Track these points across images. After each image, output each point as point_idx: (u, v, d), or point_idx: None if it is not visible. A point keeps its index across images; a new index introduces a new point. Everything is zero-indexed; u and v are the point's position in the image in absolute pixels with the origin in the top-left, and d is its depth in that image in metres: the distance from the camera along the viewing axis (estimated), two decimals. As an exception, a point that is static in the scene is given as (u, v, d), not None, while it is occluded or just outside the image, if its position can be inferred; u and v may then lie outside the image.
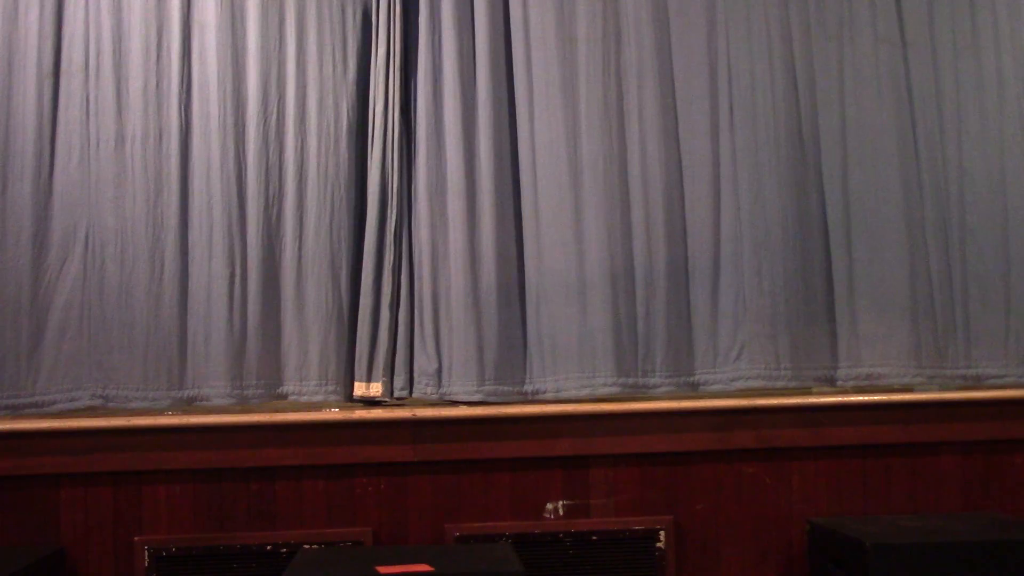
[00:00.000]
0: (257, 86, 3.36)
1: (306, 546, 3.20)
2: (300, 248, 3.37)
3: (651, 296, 3.44)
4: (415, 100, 3.44)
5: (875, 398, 3.42)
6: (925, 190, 3.55)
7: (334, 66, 3.41)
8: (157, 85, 3.35)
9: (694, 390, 3.44)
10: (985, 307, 3.52)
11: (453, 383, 3.37)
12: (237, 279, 3.33)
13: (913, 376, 3.46)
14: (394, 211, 3.38)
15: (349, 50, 3.43)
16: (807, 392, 3.46)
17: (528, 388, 3.42)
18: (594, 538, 3.30)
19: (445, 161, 3.42)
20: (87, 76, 3.33)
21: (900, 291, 3.48)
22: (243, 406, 3.29)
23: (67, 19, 3.33)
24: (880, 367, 3.45)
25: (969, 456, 3.44)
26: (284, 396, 3.34)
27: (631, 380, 3.41)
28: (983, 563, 2.89)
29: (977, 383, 3.49)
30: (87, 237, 3.31)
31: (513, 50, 3.47)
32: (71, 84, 3.33)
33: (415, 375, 3.39)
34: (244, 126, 3.36)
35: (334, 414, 3.28)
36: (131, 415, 3.24)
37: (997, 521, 3.21)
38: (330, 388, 3.33)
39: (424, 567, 2.77)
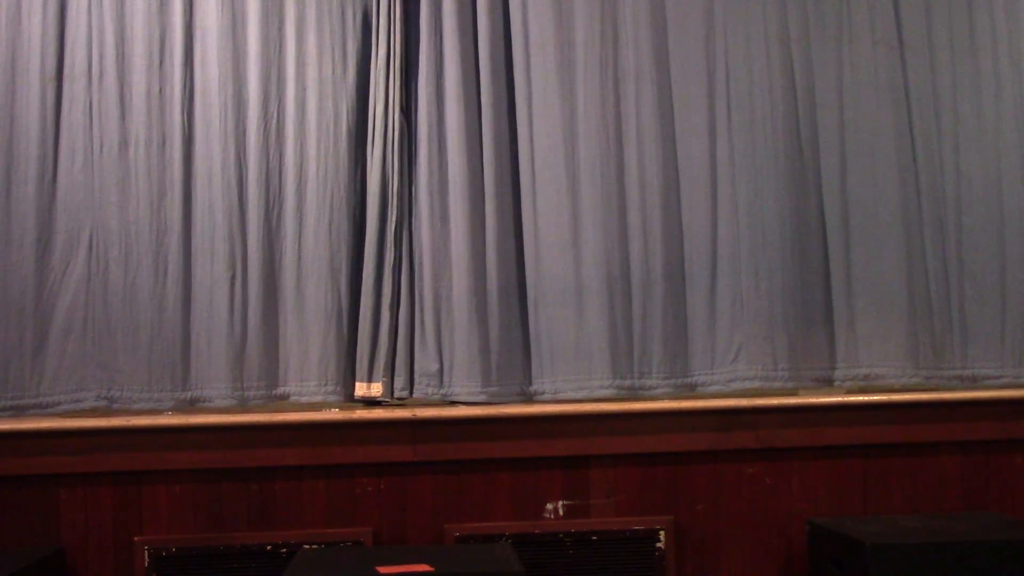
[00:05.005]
0: (258, 89, 3.39)
1: (306, 546, 3.20)
2: (300, 250, 3.39)
3: (648, 298, 3.45)
4: (416, 101, 3.46)
5: (875, 398, 3.42)
6: (922, 191, 3.56)
7: (333, 68, 3.43)
8: (160, 90, 3.37)
9: (691, 391, 3.45)
10: (981, 307, 3.53)
11: (455, 383, 3.39)
12: (238, 281, 3.35)
13: (911, 377, 3.46)
14: (394, 212, 3.40)
15: (349, 52, 3.45)
16: (807, 392, 3.46)
17: (528, 389, 3.43)
18: (594, 538, 3.30)
19: (446, 162, 3.44)
20: (90, 81, 3.35)
21: (897, 292, 3.49)
22: (244, 407, 3.31)
23: (70, 24, 3.36)
24: (878, 367, 3.46)
25: (969, 456, 3.43)
26: (285, 397, 3.36)
27: (627, 382, 3.42)
28: (983, 563, 2.88)
29: (973, 383, 3.50)
30: (91, 240, 3.33)
31: (513, 53, 3.49)
32: (74, 88, 3.35)
33: (416, 375, 3.40)
34: (245, 129, 3.39)
35: (334, 414, 3.29)
36: (132, 415, 3.25)
37: (997, 521, 3.20)
38: (330, 388, 3.35)
39: (424, 567, 2.77)
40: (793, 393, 3.45)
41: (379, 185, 3.39)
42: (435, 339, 3.41)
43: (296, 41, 3.42)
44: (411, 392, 3.39)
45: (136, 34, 3.37)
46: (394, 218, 3.40)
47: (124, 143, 3.36)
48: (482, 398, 3.36)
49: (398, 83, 3.42)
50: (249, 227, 3.37)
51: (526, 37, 3.49)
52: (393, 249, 3.39)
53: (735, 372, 3.45)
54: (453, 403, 3.38)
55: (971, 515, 3.33)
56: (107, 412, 3.28)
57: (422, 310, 3.42)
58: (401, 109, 3.43)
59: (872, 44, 3.58)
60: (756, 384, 3.42)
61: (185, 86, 3.38)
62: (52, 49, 3.34)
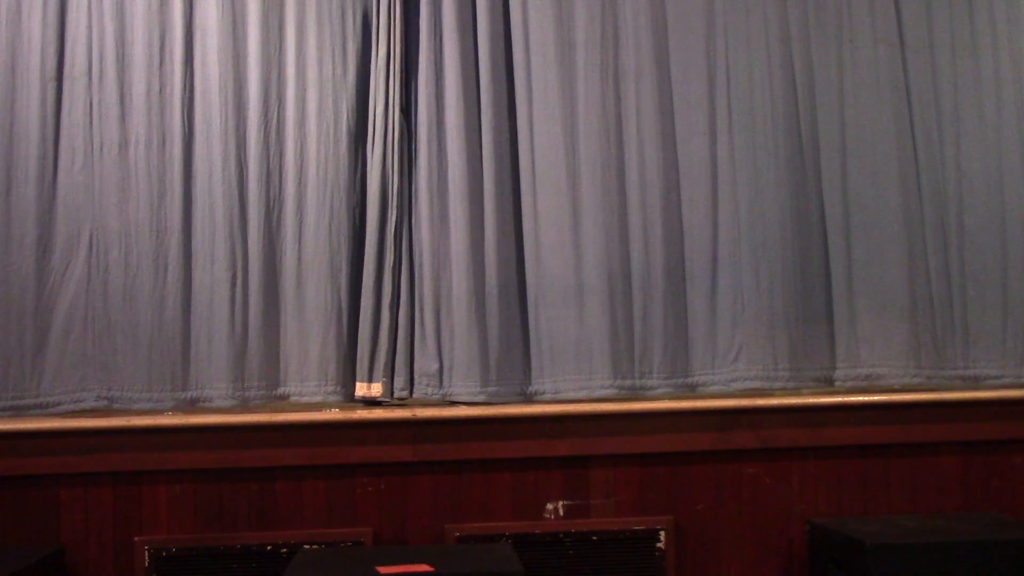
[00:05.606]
0: (258, 90, 3.39)
1: (306, 546, 3.21)
2: (300, 250, 3.39)
3: (649, 298, 3.45)
4: (416, 102, 3.46)
5: (875, 398, 3.42)
6: (923, 191, 3.56)
7: (333, 68, 3.43)
8: (160, 90, 3.37)
9: (692, 391, 3.45)
10: (983, 307, 3.53)
11: (455, 384, 3.38)
12: (239, 282, 3.35)
13: (912, 376, 3.46)
14: (394, 212, 3.39)
15: (349, 52, 3.45)
16: (807, 392, 3.46)
17: (528, 389, 3.43)
18: (594, 538, 3.30)
19: (446, 162, 3.44)
20: (90, 80, 3.35)
21: (899, 291, 3.49)
22: (244, 407, 3.31)
23: (70, 24, 3.35)
24: (879, 367, 3.46)
25: (969, 456, 3.44)
26: (285, 397, 3.36)
27: (628, 382, 3.42)
28: (983, 563, 2.89)
29: (975, 383, 3.50)
30: (91, 241, 3.33)
31: (513, 53, 3.49)
32: (74, 88, 3.35)
33: (416, 375, 3.40)
34: (245, 130, 3.39)
35: (334, 414, 3.29)
36: (132, 415, 3.25)
37: (997, 521, 3.20)
38: (330, 389, 3.34)
39: (424, 567, 2.77)
40: (794, 393, 3.45)
41: (379, 185, 3.39)
42: (435, 339, 3.41)
43: (296, 41, 3.42)
44: (411, 392, 3.39)
45: (136, 34, 3.37)
46: (394, 218, 3.40)
47: (124, 143, 3.36)
48: (482, 398, 3.36)
49: (398, 83, 3.42)
50: (249, 227, 3.37)
51: (526, 37, 3.49)
52: (393, 249, 3.39)
53: (736, 372, 3.45)
54: (453, 403, 3.38)
55: (971, 515, 3.33)
56: (107, 412, 3.28)
57: (422, 310, 3.42)
58: (401, 109, 3.43)
59: (873, 43, 3.59)
60: (757, 384, 3.42)
61: (185, 86, 3.38)
62: (52, 49, 3.34)
